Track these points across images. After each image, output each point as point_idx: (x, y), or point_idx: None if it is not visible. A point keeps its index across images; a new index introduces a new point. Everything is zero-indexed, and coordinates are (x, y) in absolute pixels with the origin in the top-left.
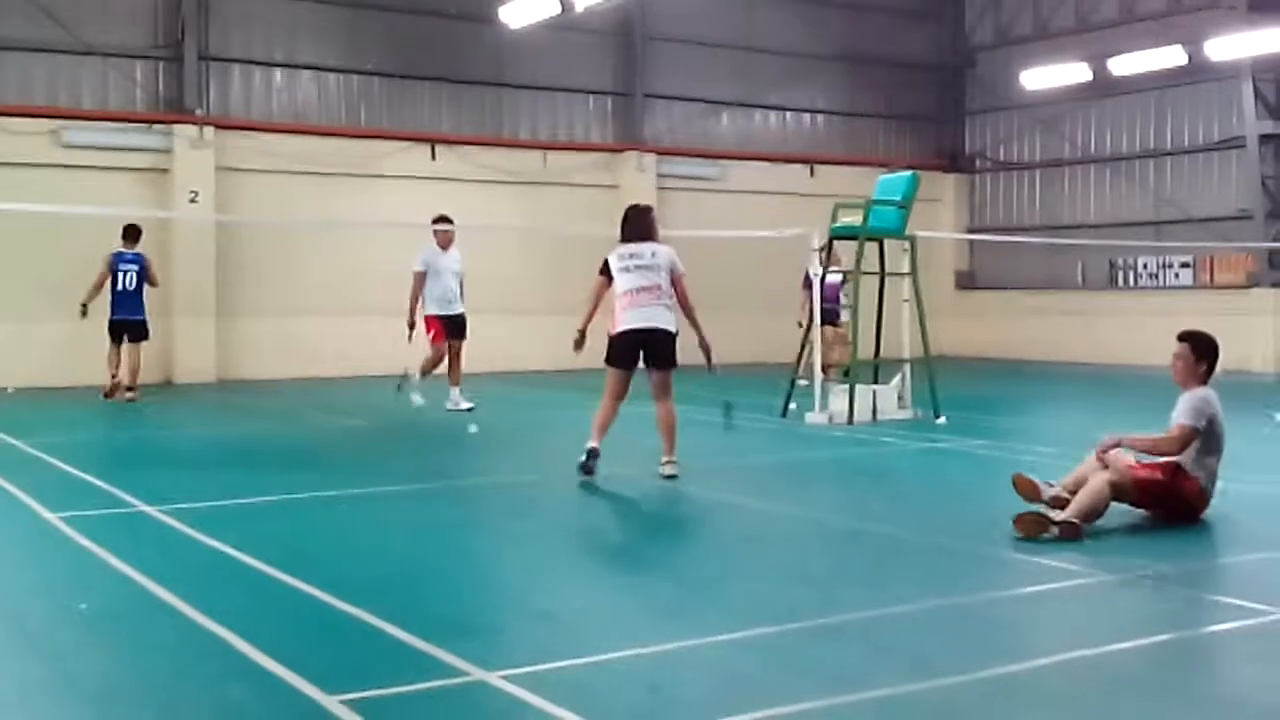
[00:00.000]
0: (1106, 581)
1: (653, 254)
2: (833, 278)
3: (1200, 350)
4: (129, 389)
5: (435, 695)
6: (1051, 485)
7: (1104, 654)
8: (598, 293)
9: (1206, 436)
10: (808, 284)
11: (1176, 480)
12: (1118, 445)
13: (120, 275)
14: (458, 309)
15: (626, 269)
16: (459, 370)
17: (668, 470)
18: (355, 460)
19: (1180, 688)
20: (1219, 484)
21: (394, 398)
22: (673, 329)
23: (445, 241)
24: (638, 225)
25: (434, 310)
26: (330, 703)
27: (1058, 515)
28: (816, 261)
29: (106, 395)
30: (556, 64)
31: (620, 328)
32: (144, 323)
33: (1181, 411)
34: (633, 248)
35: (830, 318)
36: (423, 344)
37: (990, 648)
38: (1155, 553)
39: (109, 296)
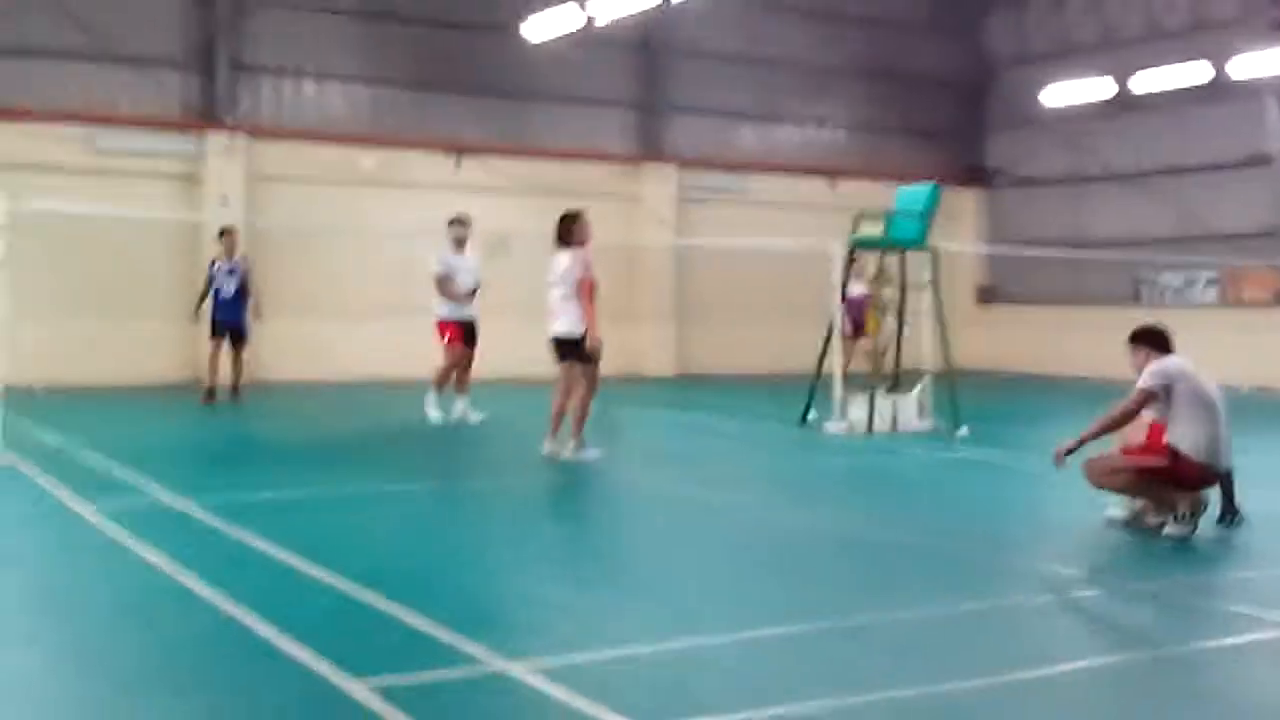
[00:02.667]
0: (1119, 592)
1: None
2: (859, 290)
3: (1140, 341)
4: (234, 390)
5: (458, 684)
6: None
7: (1118, 662)
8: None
9: (1177, 405)
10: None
11: (1177, 465)
12: (1079, 445)
13: (220, 285)
14: (472, 313)
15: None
16: (468, 379)
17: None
18: (378, 458)
19: (1195, 696)
20: (1231, 457)
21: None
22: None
23: (460, 242)
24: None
25: (448, 314)
26: (355, 687)
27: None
28: (840, 272)
29: (207, 399)
30: (579, 76)
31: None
32: (242, 327)
33: (1145, 374)
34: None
35: (860, 329)
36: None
37: (1004, 654)
38: (1168, 565)
39: (211, 301)
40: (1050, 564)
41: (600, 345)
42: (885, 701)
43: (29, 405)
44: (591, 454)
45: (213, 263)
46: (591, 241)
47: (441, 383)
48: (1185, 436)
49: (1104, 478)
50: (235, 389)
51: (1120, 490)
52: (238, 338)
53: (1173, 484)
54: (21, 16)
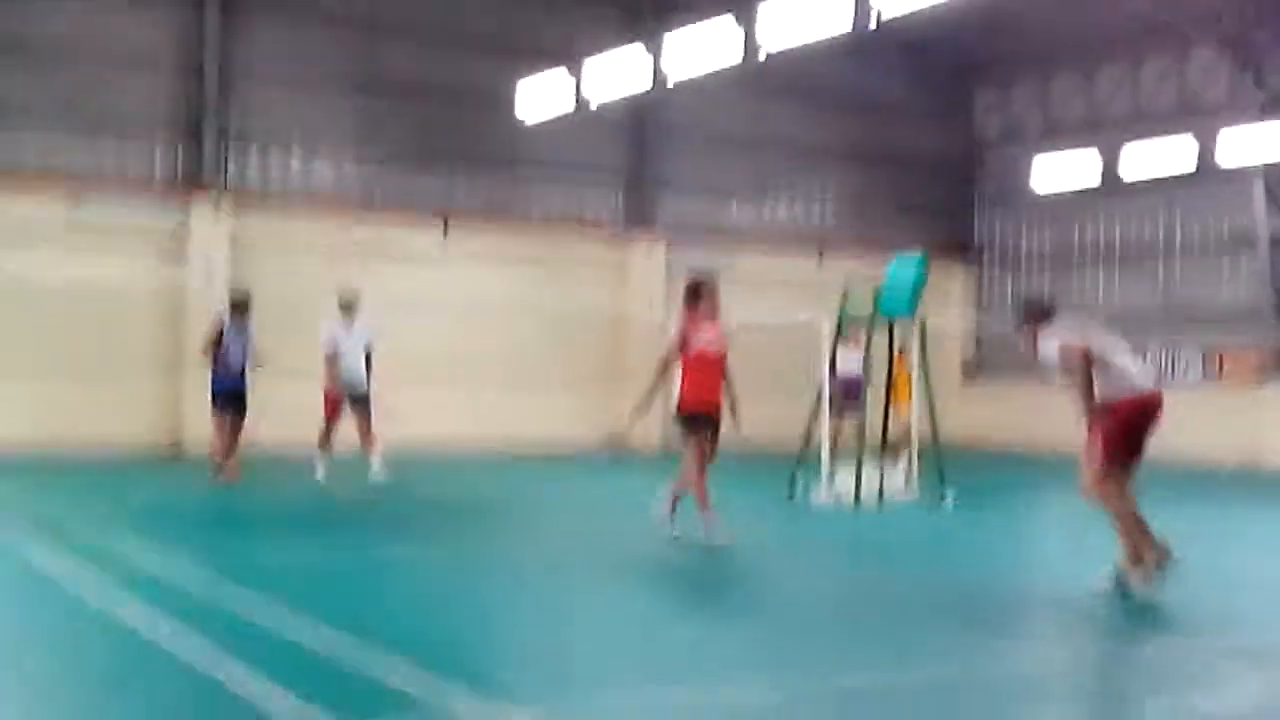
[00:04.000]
0: (1106, 655)
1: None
2: (853, 367)
3: (1030, 320)
4: (221, 467)
5: None
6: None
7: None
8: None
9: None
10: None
11: (1117, 415)
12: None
13: (231, 347)
14: (361, 389)
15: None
16: (370, 445)
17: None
18: (366, 525)
19: None
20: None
21: (398, 472)
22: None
23: (349, 314)
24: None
25: (337, 388)
26: None
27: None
28: (828, 346)
29: (218, 472)
30: (569, 147)
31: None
32: (246, 396)
33: (1057, 350)
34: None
35: (848, 409)
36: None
37: (997, 715)
38: (1156, 630)
39: (212, 369)
40: (1038, 629)
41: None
42: None
43: (9, 469)
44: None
45: (223, 320)
46: (710, 311)
47: (324, 445)
48: (1112, 381)
49: (1092, 489)
50: (222, 462)
51: (1111, 496)
52: (241, 409)
53: (1132, 436)
54: (7, 79)
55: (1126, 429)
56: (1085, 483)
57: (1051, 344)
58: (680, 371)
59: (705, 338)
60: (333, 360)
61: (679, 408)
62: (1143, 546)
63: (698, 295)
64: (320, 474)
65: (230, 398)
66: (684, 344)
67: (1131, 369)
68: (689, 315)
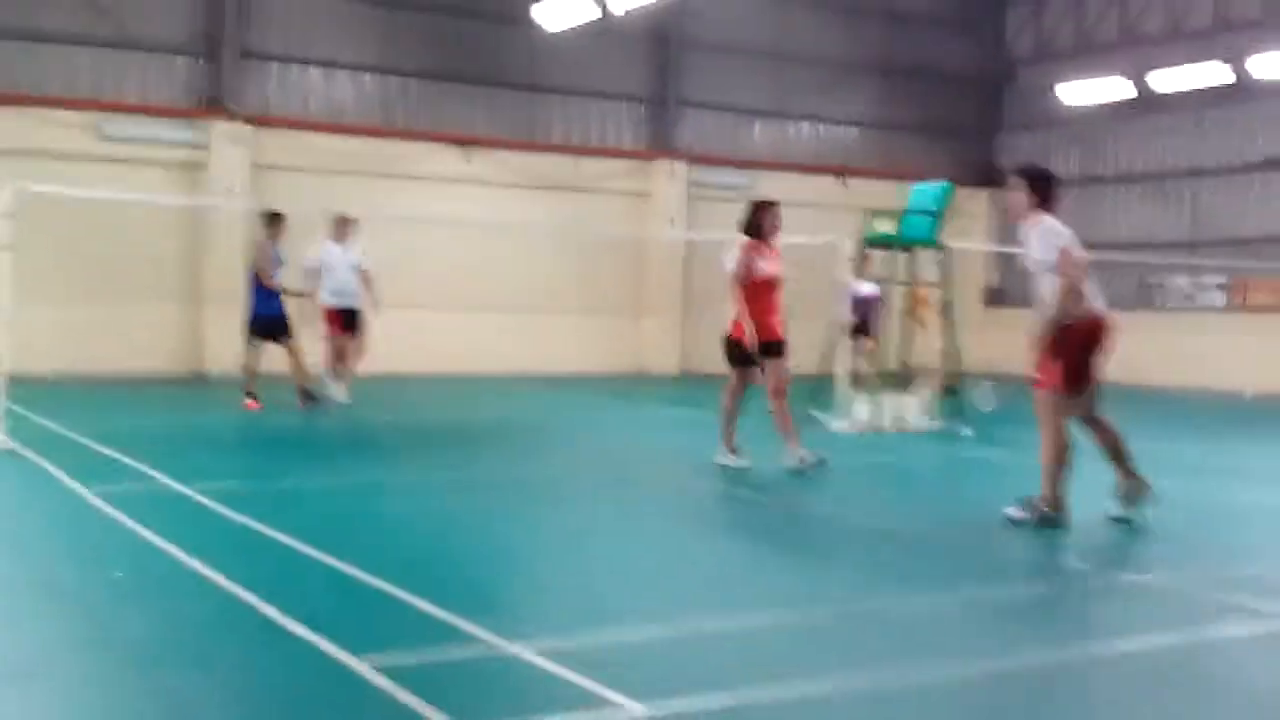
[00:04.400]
0: (1123, 582)
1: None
2: (870, 289)
3: (1032, 180)
4: (308, 394)
5: (464, 664)
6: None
7: (1123, 650)
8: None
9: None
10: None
11: (1065, 349)
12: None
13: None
14: (351, 303)
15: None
16: (349, 365)
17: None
18: (383, 451)
19: (1200, 683)
20: None
21: (412, 394)
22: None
23: (341, 235)
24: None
25: (329, 302)
26: (361, 666)
27: None
28: (847, 270)
29: (251, 399)
30: (591, 69)
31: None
32: (286, 318)
33: (1040, 249)
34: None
35: (866, 329)
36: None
37: (1009, 640)
38: (1169, 558)
39: (253, 296)
40: (1051, 556)
41: (750, 342)
42: (889, 683)
43: (35, 392)
44: (739, 461)
45: (270, 242)
46: (770, 234)
47: (333, 367)
48: (1082, 300)
49: (1046, 420)
50: (308, 392)
51: (1054, 424)
52: (285, 333)
53: (1088, 360)
54: (28, 4)
55: (1087, 351)
56: (1043, 414)
57: (1052, 240)
58: (741, 299)
59: (767, 264)
60: (312, 276)
61: (736, 335)
62: (1060, 485)
63: (759, 219)
64: (338, 395)
65: (274, 324)
66: (748, 271)
67: (1092, 289)
68: (750, 241)
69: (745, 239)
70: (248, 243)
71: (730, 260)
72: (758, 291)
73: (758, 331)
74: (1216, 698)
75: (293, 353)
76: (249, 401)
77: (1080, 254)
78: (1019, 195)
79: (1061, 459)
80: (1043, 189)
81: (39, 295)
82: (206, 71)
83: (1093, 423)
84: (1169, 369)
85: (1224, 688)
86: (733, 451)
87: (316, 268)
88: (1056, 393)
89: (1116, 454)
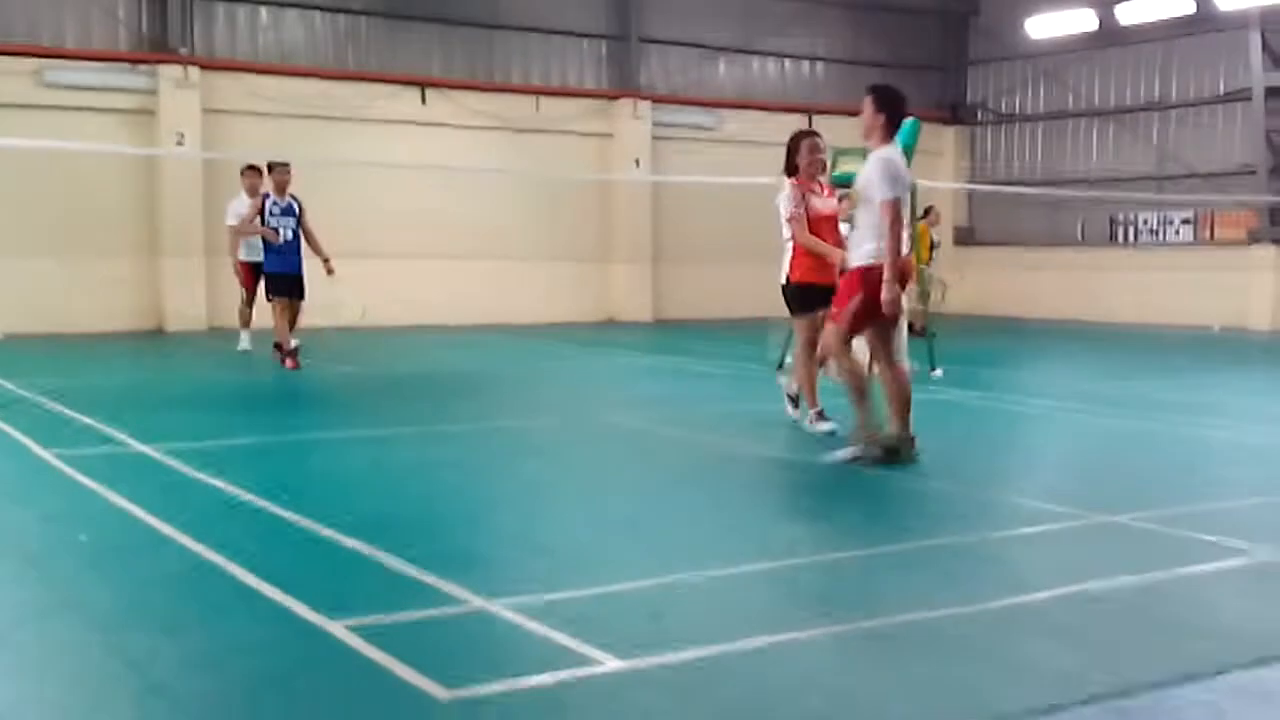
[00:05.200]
0: (1098, 523)
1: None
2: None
3: (881, 101)
4: (292, 352)
5: (438, 622)
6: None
7: (1098, 589)
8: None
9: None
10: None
11: (867, 282)
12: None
13: (277, 227)
14: (257, 257)
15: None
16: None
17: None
18: (349, 405)
19: (1172, 620)
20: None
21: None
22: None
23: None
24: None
25: (245, 256)
26: (333, 627)
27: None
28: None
29: (294, 364)
30: (550, 5)
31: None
32: (302, 278)
33: (877, 183)
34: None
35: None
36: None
37: (985, 582)
38: (1144, 497)
39: (252, 245)
40: (1026, 499)
41: (798, 289)
42: (866, 630)
43: None
44: (823, 426)
45: (265, 196)
46: (809, 168)
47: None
48: (878, 240)
49: (835, 352)
50: (284, 347)
51: (849, 361)
52: (300, 291)
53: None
54: None
55: (878, 293)
56: (828, 345)
57: (891, 168)
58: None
59: (819, 200)
60: (233, 230)
61: (795, 279)
62: (870, 414)
63: (797, 151)
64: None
65: (287, 281)
66: (805, 210)
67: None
68: (797, 179)
69: (790, 179)
70: (199, 192)
71: (783, 201)
72: (815, 231)
73: (813, 275)
74: (1193, 631)
75: (293, 312)
76: (288, 361)
77: (906, 188)
78: (873, 115)
79: (863, 388)
80: (893, 114)
81: None
82: (151, 13)
83: (893, 367)
84: (1138, 305)
85: (1201, 620)
86: (821, 416)
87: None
88: (842, 327)
89: (903, 406)
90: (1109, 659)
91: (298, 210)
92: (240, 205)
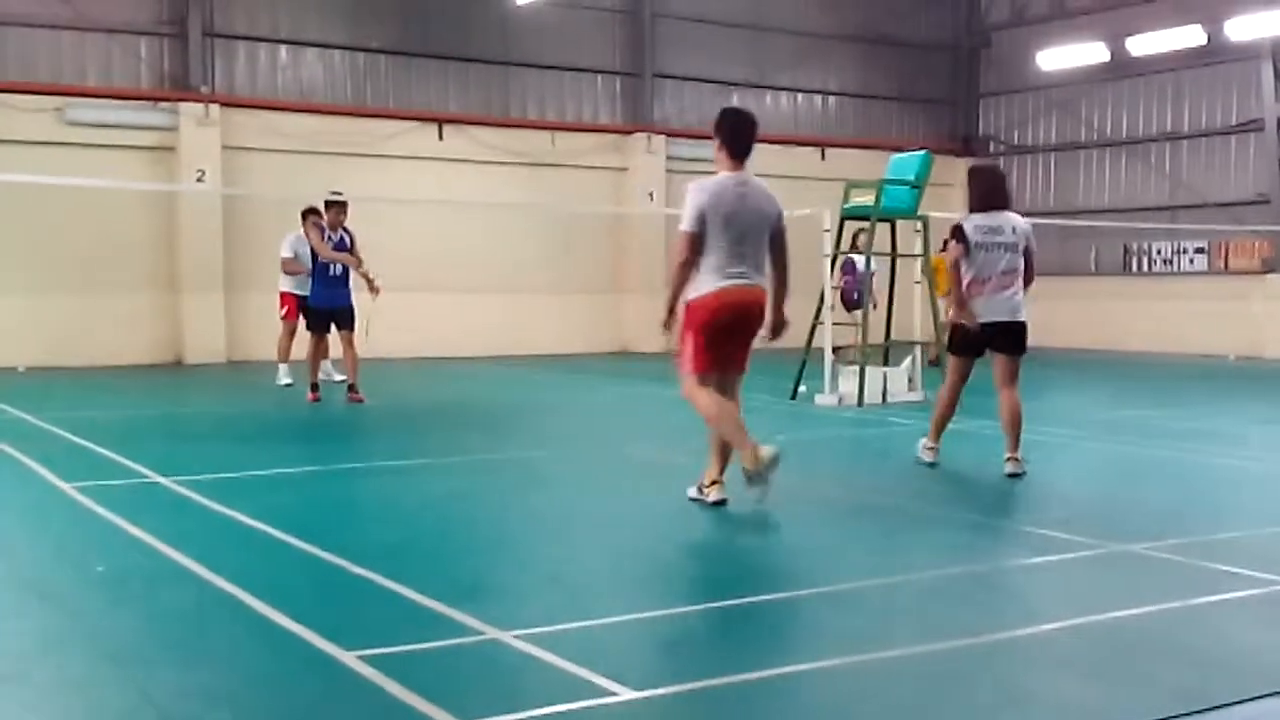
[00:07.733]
0: (1115, 553)
1: (1013, 229)
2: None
3: (715, 124)
4: (352, 387)
5: (451, 652)
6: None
7: (1112, 619)
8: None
9: (706, 236)
10: (847, 269)
11: (688, 323)
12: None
13: (330, 263)
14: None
15: (986, 246)
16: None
17: (1010, 469)
18: (365, 437)
19: (1189, 650)
20: None
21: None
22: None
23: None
24: (998, 190)
25: (289, 289)
26: (347, 658)
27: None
28: (830, 243)
29: (315, 396)
30: (564, 42)
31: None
32: (352, 309)
33: (687, 207)
34: (992, 219)
35: (853, 303)
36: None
37: (999, 613)
38: (1161, 527)
39: (312, 283)
40: (1039, 528)
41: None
42: (880, 661)
43: (9, 384)
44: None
45: (322, 230)
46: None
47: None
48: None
49: (693, 398)
50: (353, 386)
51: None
52: (347, 324)
53: (715, 336)
54: None
55: (712, 329)
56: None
57: (690, 197)
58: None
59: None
60: (291, 263)
61: (963, 322)
62: (722, 458)
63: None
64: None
65: (334, 315)
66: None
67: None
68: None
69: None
70: (219, 227)
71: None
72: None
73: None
74: (1208, 661)
75: (345, 343)
76: (351, 394)
77: (705, 204)
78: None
79: (727, 426)
80: (726, 137)
81: (9, 286)
82: (172, 53)
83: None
84: (1152, 335)
85: (1216, 650)
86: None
87: (291, 256)
88: (692, 372)
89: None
90: (1126, 690)
91: (349, 244)
92: (298, 242)
